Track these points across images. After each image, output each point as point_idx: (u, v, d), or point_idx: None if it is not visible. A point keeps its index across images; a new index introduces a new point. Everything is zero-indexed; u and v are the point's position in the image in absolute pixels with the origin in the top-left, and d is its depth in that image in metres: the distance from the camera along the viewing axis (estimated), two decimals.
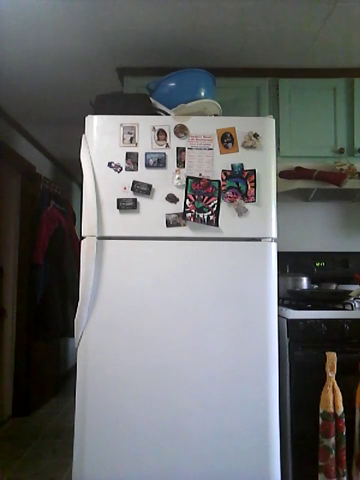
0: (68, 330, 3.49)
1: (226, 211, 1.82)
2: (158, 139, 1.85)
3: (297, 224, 2.67)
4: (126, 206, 1.82)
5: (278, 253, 1.85)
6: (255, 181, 1.83)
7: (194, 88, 2.12)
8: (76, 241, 3.76)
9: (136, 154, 1.84)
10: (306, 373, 1.90)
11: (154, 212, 1.82)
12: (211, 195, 1.82)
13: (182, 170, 1.84)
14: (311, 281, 2.42)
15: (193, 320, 1.78)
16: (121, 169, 1.84)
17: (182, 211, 1.81)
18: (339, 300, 2.12)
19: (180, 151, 1.85)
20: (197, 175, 1.83)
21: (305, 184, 2.32)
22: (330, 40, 2.20)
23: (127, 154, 1.84)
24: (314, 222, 2.69)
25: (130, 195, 1.82)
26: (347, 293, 2.13)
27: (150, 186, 1.82)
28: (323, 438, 1.80)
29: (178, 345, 1.78)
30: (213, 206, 1.82)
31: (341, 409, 1.82)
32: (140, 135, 1.85)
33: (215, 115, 2.07)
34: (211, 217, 1.81)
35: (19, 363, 3.41)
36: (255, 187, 1.83)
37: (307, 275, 2.38)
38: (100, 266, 1.80)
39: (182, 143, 1.85)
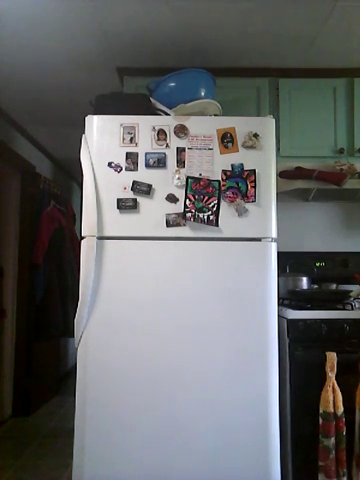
0: (68, 330, 3.49)
1: (226, 211, 1.82)
2: (158, 139, 1.85)
3: (297, 224, 2.67)
4: (126, 206, 1.81)
5: (278, 253, 1.85)
6: (255, 181, 1.83)
7: (194, 88, 2.12)
8: (76, 241, 3.76)
9: (136, 154, 1.84)
10: (306, 373, 1.89)
11: (154, 212, 1.82)
12: (211, 195, 1.82)
13: (182, 170, 1.84)
14: (311, 281, 2.41)
15: (193, 320, 1.78)
16: (121, 169, 1.84)
17: (182, 211, 1.81)
18: (339, 300, 2.12)
19: (180, 151, 1.85)
20: (197, 175, 1.83)
21: (305, 184, 2.32)
22: (330, 40, 2.20)
23: (127, 154, 1.84)
24: (314, 222, 2.69)
25: (130, 195, 1.82)
26: (347, 293, 2.13)
27: (150, 186, 1.82)
28: (323, 438, 1.80)
29: (178, 345, 1.78)
30: (213, 206, 1.82)
31: (341, 409, 1.81)
32: (140, 135, 1.85)
33: (215, 115, 2.07)
34: (211, 217, 1.81)
35: (19, 363, 3.41)
36: (255, 187, 1.83)
37: (307, 275, 2.38)
38: (100, 266, 1.80)
39: (182, 143, 1.85)
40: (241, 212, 1.82)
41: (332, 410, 1.80)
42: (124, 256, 1.81)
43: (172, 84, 2.12)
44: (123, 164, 1.84)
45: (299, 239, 2.66)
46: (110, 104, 1.97)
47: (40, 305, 3.43)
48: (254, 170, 1.83)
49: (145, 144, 1.84)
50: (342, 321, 1.93)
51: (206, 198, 1.82)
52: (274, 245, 1.83)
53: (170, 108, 2.00)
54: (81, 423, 1.76)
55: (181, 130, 1.85)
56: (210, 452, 1.75)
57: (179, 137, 1.85)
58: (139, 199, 1.82)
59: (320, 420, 1.81)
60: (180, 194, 1.82)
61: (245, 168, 1.84)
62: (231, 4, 1.92)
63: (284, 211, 2.49)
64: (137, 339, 1.78)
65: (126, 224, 1.82)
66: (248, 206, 1.82)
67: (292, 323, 1.93)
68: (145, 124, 1.85)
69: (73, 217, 4.02)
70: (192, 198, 1.82)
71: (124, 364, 1.77)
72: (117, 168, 1.83)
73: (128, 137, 1.85)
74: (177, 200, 1.82)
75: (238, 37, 2.18)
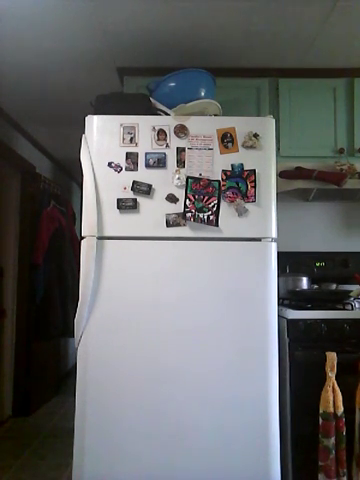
0: (68, 330, 3.49)
1: (226, 211, 1.82)
2: (158, 139, 1.85)
3: (297, 224, 2.67)
4: (126, 206, 1.81)
5: (278, 253, 1.85)
6: (255, 181, 1.83)
7: (194, 88, 2.12)
8: (76, 241, 3.76)
9: (136, 154, 1.84)
10: (306, 373, 1.89)
11: (154, 212, 1.82)
12: (211, 195, 1.82)
13: (182, 170, 1.84)
14: (311, 281, 2.42)
15: (193, 320, 1.78)
16: (121, 169, 1.84)
17: (182, 211, 1.81)
18: (339, 300, 2.12)
19: (180, 151, 1.85)
20: (197, 175, 1.83)
21: (305, 184, 2.32)
22: (330, 40, 2.20)
23: (127, 154, 1.84)
24: (314, 222, 2.69)
25: (130, 195, 1.82)
26: (347, 293, 2.13)
27: (150, 186, 1.82)
28: (323, 438, 1.80)
29: (178, 345, 1.78)
30: (213, 206, 1.82)
31: (341, 409, 1.81)
32: (140, 135, 1.85)
33: (215, 115, 2.07)
34: (211, 217, 1.81)
35: (19, 363, 3.41)
36: (255, 187, 1.83)
37: (307, 275, 2.38)
38: (100, 266, 1.80)
39: (182, 143, 1.85)
40: (241, 212, 1.82)
41: (332, 410, 1.80)
42: (124, 256, 1.81)
43: (172, 84, 2.12)
44: (123, 164, 1.84)
45: (299, 239, 2.65)
46: (110, 104, 1.97)
47: (40, 305, 3.43)
48: (254, 170, 1.83)
49: (145, 144, 1.84)
50: (342, 321, 1.93)
51: (206, 198, 1.82)
52: (274, 245, 1.83)
53: (170, 108, 2.00)
54: (81, 423, 1.76)
55: (181, 130, 1.85)
56: (210, 452, 1.74)
57: (179, 137, 1.85)
58: (139, 199, 1.82)
59: (320, 420, 1.81)
60: (180, 194, 1.82)
61: (245, 168, 1.84)
62: (231, 4, 1.92)
63: (284, 211, 2.49)
64: (137, 339, 1.78)
65: (126, 224, 1.82)
66: (248, 206, 1.82)
67: (292, 323, 1.93)
68: (145, 124, 1.85)
69: (73, 217, 4.02)
70: (192, 198, 1.82)
71: (124, 364, 1.77)
72: (117, 168, 1.83)
73: (128, 137, 1.85)
74: (177, 200, 1.82)
75: (238, 37, 2.18)
